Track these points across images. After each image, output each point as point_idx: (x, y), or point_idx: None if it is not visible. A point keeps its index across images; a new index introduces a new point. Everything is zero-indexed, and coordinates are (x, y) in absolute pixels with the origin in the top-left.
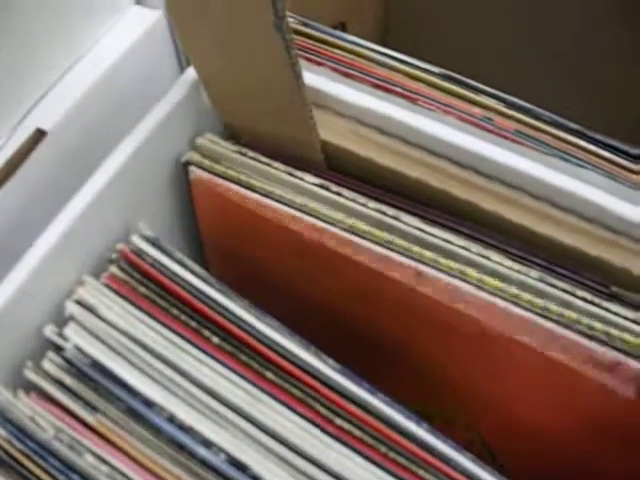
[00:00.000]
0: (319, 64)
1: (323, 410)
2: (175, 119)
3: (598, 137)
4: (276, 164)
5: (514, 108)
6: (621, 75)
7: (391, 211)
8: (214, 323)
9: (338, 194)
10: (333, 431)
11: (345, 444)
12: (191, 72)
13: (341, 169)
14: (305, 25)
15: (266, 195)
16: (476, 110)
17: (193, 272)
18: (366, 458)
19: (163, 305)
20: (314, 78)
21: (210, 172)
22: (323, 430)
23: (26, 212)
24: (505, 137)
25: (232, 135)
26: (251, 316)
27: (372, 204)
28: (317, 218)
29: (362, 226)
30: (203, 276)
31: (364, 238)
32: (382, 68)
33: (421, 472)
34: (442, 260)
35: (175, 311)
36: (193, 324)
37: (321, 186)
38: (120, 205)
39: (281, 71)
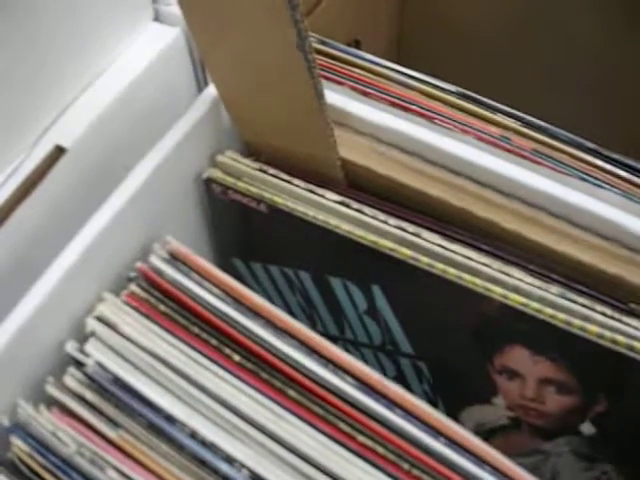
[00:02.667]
0: (339, 83)
1: (345, 427)
2: (195, 136)
3: (615, 156)
4: (297, 181)
5: (531, 127)
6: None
7: (412, 228)
8: (234, 341)
9: (359, 211)
10: (356, 448)
11: (368, 461)
12: (211, 90)
13: (361, 187)
14: (324, 44)
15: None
16: (494, 129)
17: (210, 291)
18: (390, 475)
19: (183, 323)
20: (334, 96)
21: (232, 189)
22: (346, 447)
23: (44, 229)
24: (523, 156)
25: (252, 153)
26: (270, 335)
27: (393, 221)
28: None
29: (386, 243)
30: (221, 296)
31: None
32: (399, 87)
33: None
34: (466, 277)
35: (196, 329)
36: (214, 342)
37: (342, 203)
38: (140, 223)
39: (303, 90)
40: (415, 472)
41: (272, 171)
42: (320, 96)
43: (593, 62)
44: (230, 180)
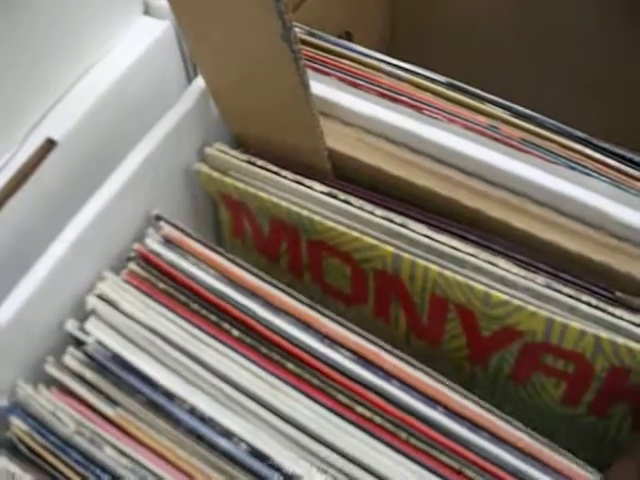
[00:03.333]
0: (326, 74)
1: (343, 399)
2: (184, 128)
3: (604, 145)
4: (285, 173)
5: (519, 116)
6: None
7: (398, 219)
8: (233, 318)
9: (346, 202)
10: (354, 419)
11: (367, 432)
12: (199, 82)
13: (349, 177)
14: (312, 35)
15: None
16: (482, 119)
17: (207, 271)
18: (388, 445)
19: (183, 300)
20: (321, 87)
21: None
22: (344, 418)
23: (36, 222)
24: (511, 145)
25: (241, 144)
26: (267, 312)
27: (379, 212)
28: None
29: (371, 233)
30: (217, 276)
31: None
32: (388, 77)
33: (443, 457)
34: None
35: (195, 306)
36: (213, 318)
37: (329, 194)
38: (136, 206)
39: (289, 81)
40: (413, 441)
41: (260, 162)
42: (306, 86)
43: (592, 59)
44: (216, 175)
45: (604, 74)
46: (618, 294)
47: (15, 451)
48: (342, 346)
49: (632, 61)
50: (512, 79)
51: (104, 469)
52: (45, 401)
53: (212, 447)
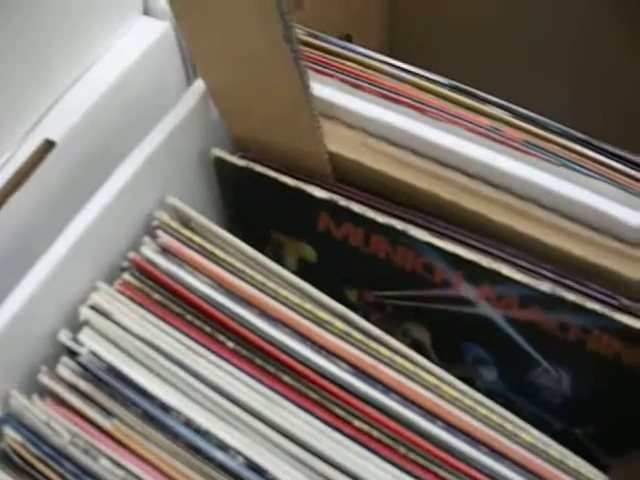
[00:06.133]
0: (328, 75)
1: (341, 412)
2: (184, 130)
3: (606, 147)
4: (284, 178)
5: (522, 118)
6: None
7: (400, 225)
8: (228, 329)
9: (347, 209)
10: (352, 433)
11: (364, 446)
12: (199, 83)
13: (350, 181)
14: (314, 37)
15: None
16: (484, 121)
17: (203, 281)
18: (386, 459)
19: (177, 311)
20: (323, 89)
21: None
22: (341, 432)
23: (35, 222)
24: (514, 147)
25: (241, 147)
26: (264, 323)
27: (381, 218)
28: None
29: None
30: (214, 286)
31: None
32: (390, 79)
33: (442, 472)
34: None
35: (189, 317)
36: (208, 329)
37: (330, 201)
38: (131, 214)
39: (289, 82)
40: (411, 456)
41: (259, 168)
42: (306, 87)
43: (582, 48)
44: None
45: (607, 76)
46: (624, 301)
47: (8, 462)
48: (340, 358)
49: (622, 49)
50: (513, 80)
51: None
52: (39, 411)
53: (208, 460)
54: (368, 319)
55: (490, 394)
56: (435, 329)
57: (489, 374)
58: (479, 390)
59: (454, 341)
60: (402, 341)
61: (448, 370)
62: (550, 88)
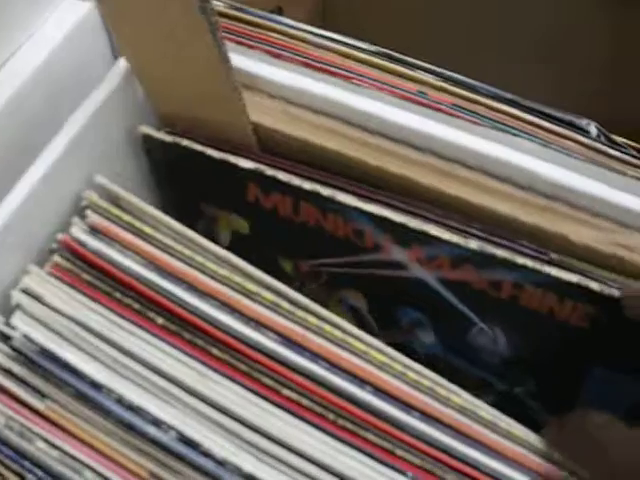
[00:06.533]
0: (252, 47)
1: (269, 381)
2: (109, 109)
3: (533, 106)
4: (210, 151)
5: (450, 82)
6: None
7: (327, 191)
8: (157, 305)
9: (273, 178)
10: (280, 401)
11: (293, 414)
12: (123, 62)
13: (276, 151)
14: (237, 9)
15: None
16: (411, 85)
17: (133, 258)
18: (315, 426)
19: (107, 290)
20: (245, 61)
21: None
22: (270, 401)
23: None
24: (440, 110)
25: (168, 124)
26: (192, 297)
27: (307, 185)
28: None
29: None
30: (143, 263)
31: None
32: (316, 49)
33: (371, 437)
34: None
35: (118, 295)
36: (137, 306)
37: (256, 171)
38: (58, 197)
39: (207, 55)
40: (341, 422)
41: (186, 143)
42: (225, 60)
43: (546, 29)
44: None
45: (558, 43)
46: (553, 255)
47: None
48: (268, 328)
49: (588, 29)
50: (446, 47)
51: (34, 462)
52: None
53: (141, 435)
54: (305, 289)
55: (430, 358)
56: (370, 295)
57: (427, 337)
58: (419, 355)
59: (390, 306)
60: (339, 309)
61: (386, 335)
62: (513, 65)
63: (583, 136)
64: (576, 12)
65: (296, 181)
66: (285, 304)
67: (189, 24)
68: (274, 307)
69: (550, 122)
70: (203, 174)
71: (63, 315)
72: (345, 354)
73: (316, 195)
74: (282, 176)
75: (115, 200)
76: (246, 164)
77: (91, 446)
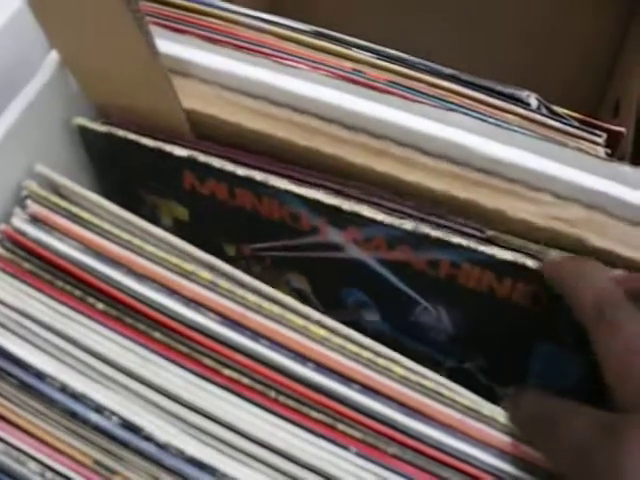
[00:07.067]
0: (183, 32)
1: (210, 362)
2: (44, 100)
3: (472, 80)
4: (145, 140)
5: (387, 59)
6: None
7: (260, 176)
8: (97, 290)
9: (207, 164)
10: (222, 381)
11: (235, 393)
12: (54, 55)
13: (211, 137)
14: None
15: None
16: (347, 64)
17: (71, 245)
18: (257, 405)
19: (48, 278)
20: (175, 46)
21: None
22: (211, 382)
23: None
24: (375, 88)
25: (103, 115)
26: (131, 281)
27: (241, 171)
28: None
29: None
30: (82, 249)
31: None
32: (249, 31)
33: (313, 413)
34: None
35: (60, 283)
36: (78, 293)
37: (190, 158)
38: None
39: (133, 42)
40: (282, 399)
41: (121, 133)
42: (151, 46)
43: (526, 13)
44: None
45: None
46: (489, 233)
47: None
48: (207, 308)
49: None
50: (396, 27)
51: None
52: None
53: (85, 423)
54: (250, 272)
55: (378, 336)
56: (313, 277)
57: (372, 316)
58: (367, 333)
59: (333, 287)
60: (285, 291)
61: (333, 315)
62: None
63: (523, 108)
64: None
65: (230, 167)
66: (223, 283)
67: (111, 11)
68: (212, 286)
69: (490, 96)
70: (140, 163)
71: (5, 305)
72: (284, 330)
73: (250, 180)
74: (216, 162)
75: (55, 188)
76: (180, 152)
77: (35, 437)
